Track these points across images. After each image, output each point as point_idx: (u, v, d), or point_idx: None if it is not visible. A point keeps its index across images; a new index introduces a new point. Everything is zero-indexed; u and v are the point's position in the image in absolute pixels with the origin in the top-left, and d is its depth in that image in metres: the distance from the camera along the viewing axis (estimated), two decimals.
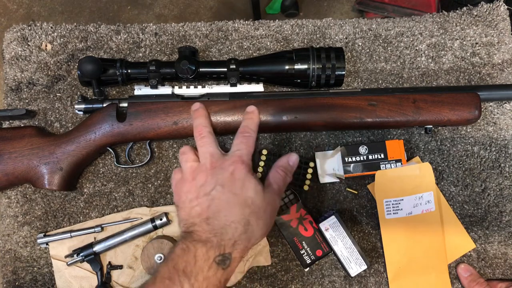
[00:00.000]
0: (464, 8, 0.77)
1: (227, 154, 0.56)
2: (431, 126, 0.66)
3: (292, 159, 0.60)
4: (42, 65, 0.72)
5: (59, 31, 0.74)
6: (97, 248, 0.65)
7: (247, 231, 0.50)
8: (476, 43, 0.75)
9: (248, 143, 0.57)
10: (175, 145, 0.71)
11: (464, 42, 0.75)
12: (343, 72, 0.66)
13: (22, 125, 0.70)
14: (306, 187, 0.66)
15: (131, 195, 0.70)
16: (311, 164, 0.68)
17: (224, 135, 0.70)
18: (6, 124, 0.71)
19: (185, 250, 0.48)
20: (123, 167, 0.70)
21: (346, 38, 0.75)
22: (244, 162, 0.54)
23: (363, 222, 0.70)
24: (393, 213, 0.67)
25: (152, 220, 0.66)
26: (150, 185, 0.70)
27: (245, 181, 0.52)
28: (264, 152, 0.66)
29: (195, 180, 0.54)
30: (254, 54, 0.74)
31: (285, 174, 0.58)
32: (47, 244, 0.67)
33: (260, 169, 0.66)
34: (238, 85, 0.68)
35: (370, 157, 0.65)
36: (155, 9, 1.79)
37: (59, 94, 0.72)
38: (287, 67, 0.66)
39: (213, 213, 0.50)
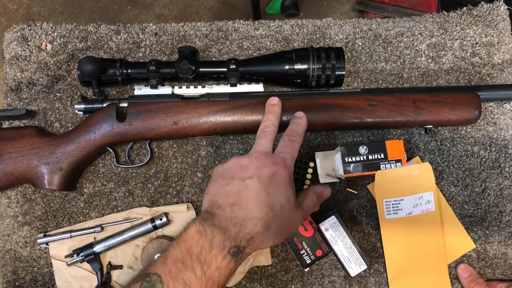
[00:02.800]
0: (464, 8, 0.77)
1: (273, 153, 0.55)
2: (431, 126, 0.66)
3: (327, 192, 0.60)
4: (42, 65, 0.72)
5: (59, 31, 0.74)
6: (97, 248, 0.65)
7: (264, 233, 0.49)
8: (476, 43, 0.75)
9: (293, 147, 0.56)
10: (175, 145, 0.71)
11: (464, 42, 0.75)
12: (343, 72, 0.66)
13: (22, 125, 0.70)
14: (306, 187, 0.66)
15: (131, 195, 0.70)
16: (311, 164, 0.68)
17: (224, 135, 0.70)
18: (6, 124, 0.71)
19: (201, 234, 0.47)
20: (123, 167, 0.70)
21: (346, 38, 0.75)
22: (287, 166, 0.53)
23: (363, 222, 0.70)
24: (393, 213, 0.67)
25: (152, 220, 0.66)
26: (150, 185, 0.70)
27: (282, 186, 0.51)
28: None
29: (239, 161, 0.52)
30: (254, 54, 0.74)
31: (317, 201, 0.58)
32: (47, 244, 0.67)
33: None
34: (238, 85, 0.68)
35: (370, 157, 0.65)
36: (155, 9, 1.79)
37: (59, 94, 0.72)
38: (287, 67, 0.66)
39: (240, 201, 0.49)
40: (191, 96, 0.67)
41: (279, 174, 0.51)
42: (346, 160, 0.65)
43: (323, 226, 0.66)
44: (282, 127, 0.65)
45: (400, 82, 0.74)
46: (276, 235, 0.50)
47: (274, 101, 0.61)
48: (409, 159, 0.71)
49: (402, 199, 0.67)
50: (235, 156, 0.55)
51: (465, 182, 0.71)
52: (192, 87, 0.68)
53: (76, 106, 0.67)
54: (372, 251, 0.70)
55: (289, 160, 0.54)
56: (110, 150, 0.68)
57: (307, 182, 0.67)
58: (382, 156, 0.65)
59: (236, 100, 0.65)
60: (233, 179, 0.51)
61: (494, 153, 0.72)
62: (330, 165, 0.69)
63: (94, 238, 0.67)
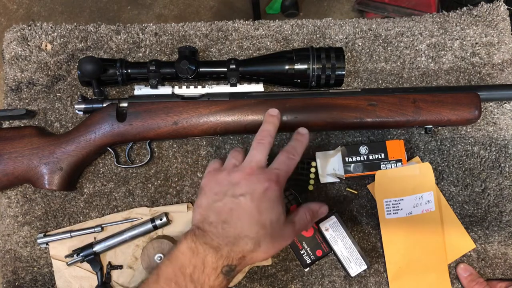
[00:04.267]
0: (464, 8, 0.77)
1: (267, 168, 0.54)
2: (431, 126, 0.66)
3: (323, 210, 0.59)
4: (42, 65, 0.72)
5: (59, 31, 0.74)
6: (97, 248, 0.65)
7: (254, 251, 0.49)
8: (476, 43, 0.75)
9: (290, 165, 0.55)
10: (175, 145, 0.71)
11: (464, 42, 0.75)
12: (343, 72, 0.66)
13: (22, 125, 0.70)
14: (310, 187, 0.66)
15: (131, 195, 0.70)
16: (314, 164, 0.68)
17: (224, 135, 0.70)
18: (6, 124, 0.71)
19: (194, 252, 0.47)
20: (123, 167, 0.70)
21: (346, 38, 0.75)
22: (279, 183, 0.52)
23: (363, 222, 0.70)
24: (393, 213, 0.67)
25: (152, 220, 0.66)
26: (150, 185, 0.70)
27: (274, 203, 0.51)
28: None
29: (231, 176, 0.52)
30: (254, 54, 0.74)
31: (311, 219, 0.57)
32: (47, 244, 0.67)
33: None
34: (238, 85, 0.68)
35: (370, 157, 0.65)
36: (155, 9, 1.79)
37: (59, 94, 0.72)
38: (287, 67, 0.66)
39: (231, 219, 0.49)
40: (191, 96, 0.67)
41: (271, 191, 0.51)
42: (347, 160, 0.65)
43: (323, 226, 0.66)
44: (281, 128, 0.65)
45: (400, 82, 0.74)
46: (265, 252, 0.50)
47: (274, 112, 0.61)
48: (409, 159, 0.71)
49: (402, 199, 0.67)
50: (220, 166, 0.56)
51: (465, 182, 0.71)
52: (192, 87, 0.68)
53: (76, 106, 0.67)
54: (372, 251, 0.70)
55: (283, 178, 0.54)
56: (110, 150, 0.68)
57: (311, 181, 0.67)
58: (383, 156, 0.65)
59: (236, 100, 0.65)
60: (225, 196, 0.51)
61: (494, 153, 0.72)
62: (330, 165, 0.69)
63: (94, 238, 0.67)
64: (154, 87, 0.67)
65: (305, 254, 0.66)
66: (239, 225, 0.49)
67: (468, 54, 0.75)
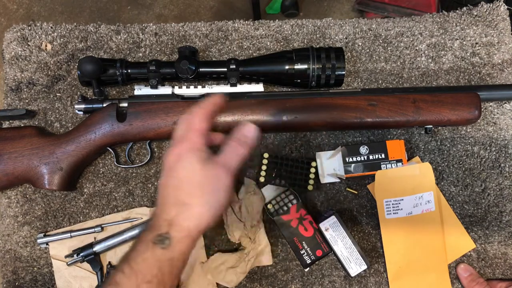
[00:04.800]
0: (464, 8, 0.77)
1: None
2: (431, 126, 0.66)
3: (246, 128, 0.51)
4: (42, 65, 0.72)
5: (59, 31, 0.74)
6: (97, 248, 0.65)
7: (184, 212, 0.48)
8: (476, 43, 0.75)
9: (190, 117, 0.51)
10: None
11: (464, 42, 0.75)
12: (343, 72, 0.66)
13: (22, 125, 0.70)
14: (310, 187, 0.66)
15: (131, 195, 0.70)
16: (314, 164, 0.68)
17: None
18: (6, 124, 0.71)
19: (134, 240, 0.50)
20: (123, 167, 0.70)
21: (346, 38, 0.75)
22: (185, 139, 0.50)
23: (363, 222, 0.70)
24: (393, 213, 0.67)
25: None
26: (150, 185, 0.70)
27: (185, 160, 0.49)
28: (266, 155, 0.66)
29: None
30: (254, 54, 0.74)
31: (236, 145, 0.51)
32: (47, 244, 0.67)
33: (263, 173, 0.66)
34: (238, 85, 0.68)
35: (370, 157, 0.65)
36: (155, 9, 1.79)
37: (59, 94, 0.72)
38: (287, 67, 0.66)
39: (157, 199, 0.52)
40: (191, 96, 0.67)
41: (181, 153, 0.50)
42: (347, 160, 0.65)
43: (323, 226, 0.66)
44: (282, 127, 0.65)
45: (400, 82, 0.74)
46: (201, 205, 0.48)
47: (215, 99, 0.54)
48: (409, 159, 0.71)
49: (402, 199, 0.66)
50: None
51: (465, 182, 0.71)
52: (192, 87, 0.68)
53: (76, 106, 0.67)
54: (372, 251, 0.70)
55: (191, 134, 0.50)
56: (110, 150, 0.68)
57: (311, 181, 0.67)
58: (383, 156, 0.65)
59: (236, 100, 0.65)
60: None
61: (494, 153, 0.72)
62: (330, 165, 0.69)
63: (94, 238, 0.67)
64: (154, 87, 0.67)
65: (305, 254, 0.66)
66: (159, 199, 0.50)
67: (468, 54, 0.75)
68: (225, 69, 0.66)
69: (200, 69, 0.66)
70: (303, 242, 0.66)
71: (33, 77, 0.72)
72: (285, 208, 0.68)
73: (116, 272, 0.47)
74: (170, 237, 0.48)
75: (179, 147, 0.50)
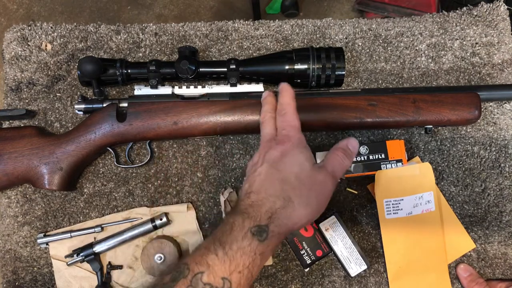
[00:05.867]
0: (464, 8, 0.77)
1: (276, 136, 0.56)
2: (431, 126, 0.66)
3: (351, 143, 0.55)
4: (42, 65, 0.72)
5: (59, 31, 0.74)
6: (97, 248, 0.65)
7: (287, 207, 0.49)
8: (476, 43, 0.75)
9: (292, 116, 0.56)
10: (175, 145, 0.71)
11: (464, 42, 0.75)
12: (343, 72, 0.66)
13: (22, 125, 0.70)
14: None
15: (131, 195, 0.70)
16: None
17: (224, 135, 0.70)
18: (6, 124, 0.71)
19: (224, 221, 0.49)
20: (123, 167, 0.70)
21: (346, 38, 0.75)
22: (291, 138, 0.53)
23: (363, 222, 0.70)
24: (393, 213, 0.67)
25: (152, 220, 0.66)
26: (150, 185, 0.70)
27: (293, 157, 0.52)
28: None
29: (252, 159, 0.55)
30: (254, 54, 0.74)
31: (343, 156, 0.54)
32: (47, 244, 0.67)
33: None
34: (238, 85, 0.68)
35: (371, 157, 0.65)
36: (155, 9, 1.79)
37: (59, 94, 0.72)
38: (287, 67, 0.66)
39: (255, 189, 0.51)
40: (191, 96, 0.67)
41: (286, 150, 0.52)
42: None
43: (323, 226, 0.66)
44: None
45: (400, 82, 0.74)
46: (301, 205, 0.50)
47: (265, 94, 0.61)
48: (409, 159, 0.71)
49: (402, 199, 0.67)
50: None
51: (465, 182, 0.71)
52: (192, 87, 0.68)
53: (76, 106, 0.67)
54: (372, 251, 0.70)
55: (293, 132, 0.54)
56: (110, 150, 0.68)
57: None
58: (383, 156, 0.65)
59: (236, 100, 0.65)
60: (249, 176, 0.53)
61: (494, 153, 0.72)
62: None
63: (94, 238, 0.67)
64: (154, 87, 0.67)
65: (305, 254, 0.66)
66: (262, 190, 0.50)
67: (468, 54, 0.75)
68: (225, 69, 0.66)
69: (200, 69, 0.66)
70: (303, 242, 0.66)
71: (33, 77, 0.72)
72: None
73: (207, 252, 0.46)
74: (268, 230, 0.48)
75: (282, 145, 0.52)
